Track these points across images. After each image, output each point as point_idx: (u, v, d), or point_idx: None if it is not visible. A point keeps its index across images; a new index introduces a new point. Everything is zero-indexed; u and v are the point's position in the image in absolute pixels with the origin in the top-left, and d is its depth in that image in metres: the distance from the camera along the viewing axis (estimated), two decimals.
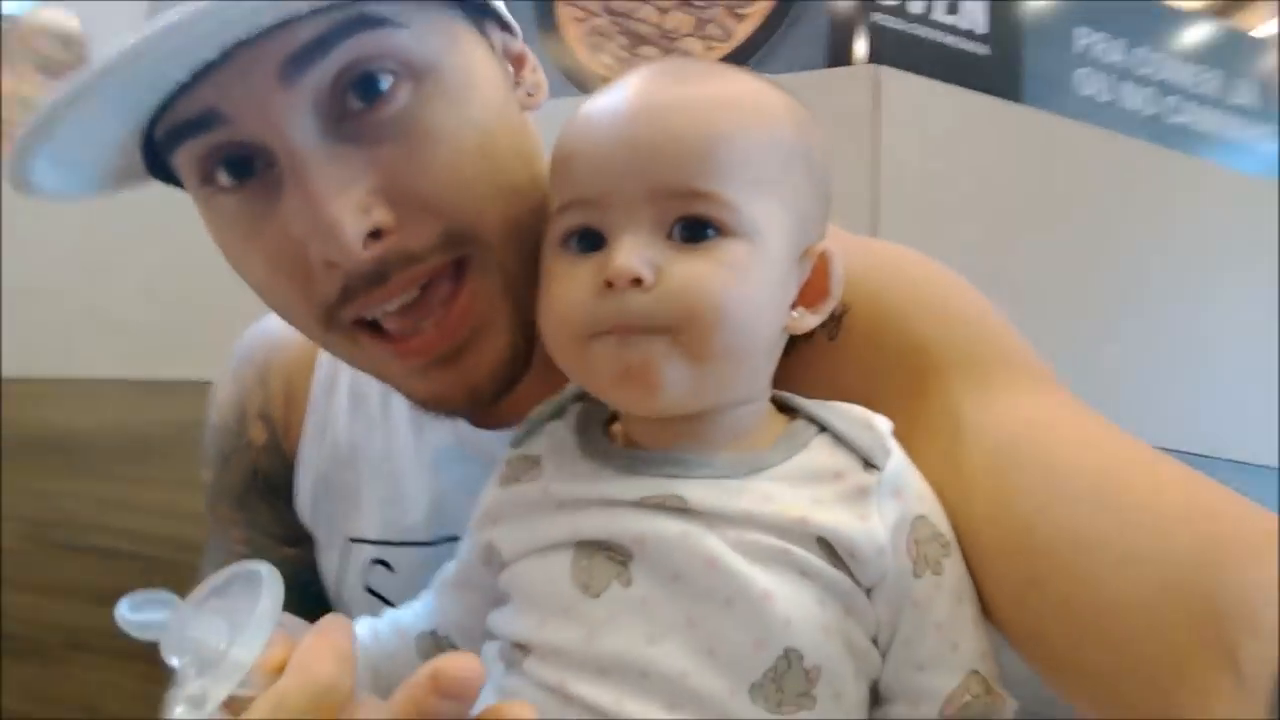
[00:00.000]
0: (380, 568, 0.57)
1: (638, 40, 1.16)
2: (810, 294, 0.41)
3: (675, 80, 0.39)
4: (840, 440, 0.39)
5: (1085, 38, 1.21)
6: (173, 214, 1.23)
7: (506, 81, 0.47)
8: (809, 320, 0.41)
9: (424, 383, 0.44)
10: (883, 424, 0.40)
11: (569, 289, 0.38)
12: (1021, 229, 1.04)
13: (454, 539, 0.53)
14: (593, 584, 0.36)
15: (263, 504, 0.62)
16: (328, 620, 0.32)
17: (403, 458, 0.56)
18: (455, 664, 0.28)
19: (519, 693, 0.36)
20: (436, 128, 0.41)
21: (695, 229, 0.37)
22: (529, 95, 0.49)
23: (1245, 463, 1.06)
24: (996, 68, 1.14)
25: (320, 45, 0.38)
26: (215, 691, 0.29)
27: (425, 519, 0.55)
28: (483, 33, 0.46)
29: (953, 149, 1.03)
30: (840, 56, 1.07)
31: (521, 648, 0.38)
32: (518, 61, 0.49)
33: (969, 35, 1.12)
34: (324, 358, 0.61)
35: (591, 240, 0.38)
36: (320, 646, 0.30)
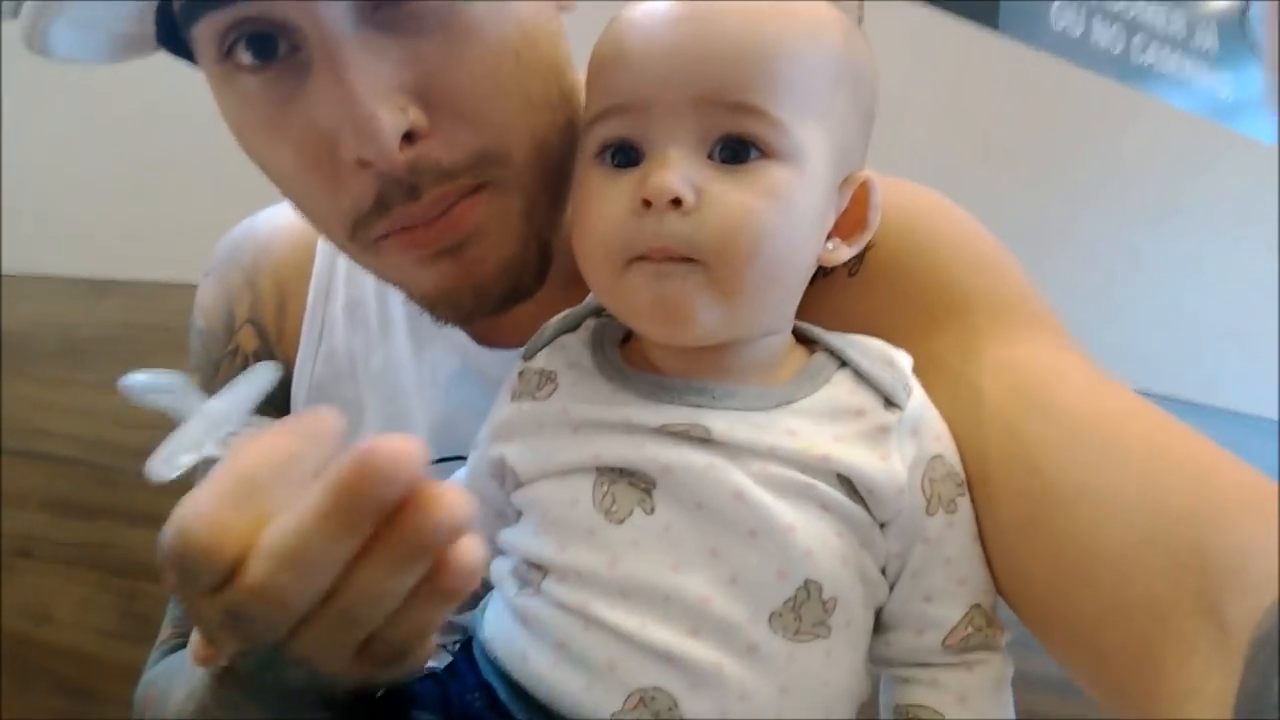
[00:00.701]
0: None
1: None
2: (847, 224, 0.40)
3: None
4: (861, 377, 0.38)
5: None
6: (115, 108, 1.18)
7: None
8: (843, 252, 0.40)
9: (430, 274, 0.42)
10: (903, 360, 0.39)
11: (605, 207, 0.36)
12: (984, 158, 1.05)
13: (456, 459, 0.52)
14: (616, 510, 0.36)
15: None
16: (316, 409, 0.31)
17: (403, 374, 0.55)
18: (389, 442, 0.26)
19: (537, 612, 0.37)
20: (477, 23, 0.39)
21: (738, 149, 0.35)
22: None
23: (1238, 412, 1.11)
24: None
25: None
26: (186, 446, 0.30)
27: (428, 438, 0.54)
28: None
29: (928, 72, 1.03)
30: None
31: (539, 568, 0.37)
32: None
33: None
34: (319, 265, 0.58)
35: (628, 155, 0.37)
36: (293, 423, 0.29)
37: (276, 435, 0.29)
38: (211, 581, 0.27)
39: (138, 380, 0.30)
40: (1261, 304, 1.12)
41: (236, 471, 0.28)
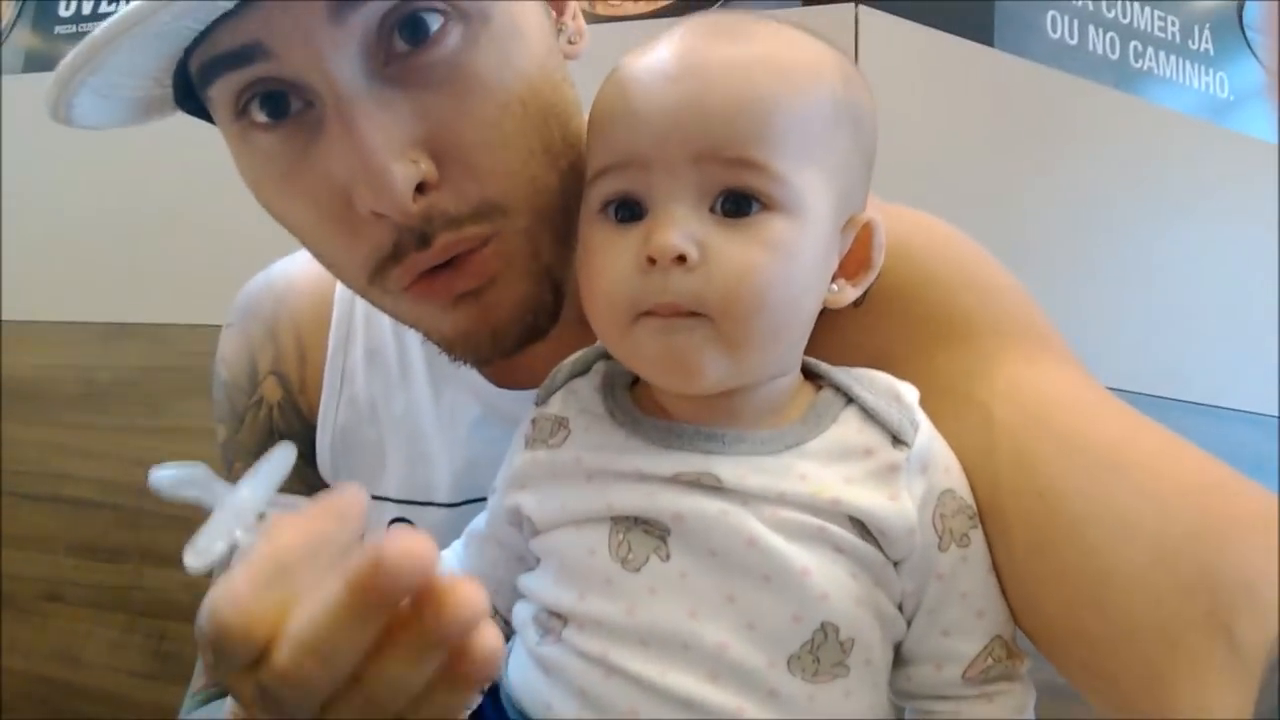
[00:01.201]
0: (403, 525, 0.57)
1: None
2: (851, 265, 0.40)
3: (725, 38, 0.37)
4: (869, 414, 0.39)
5: None
6: (129, 157, 1.19)
7: (550, 27, 0.45)
8: (849, 293, 0.40)
9: (449, 319, 0.44)
10: (910, 394, 0.39)
11: (610, 263, 0.37)
12: (988, 173, 1.05)
13: (477, 501, 0.52)
14: (632, 558, 0.37)
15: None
16: (339, 487, 0.32)
17: (424, 417, 0.56)
18: (401, 542, 0.26)
19: (558, 661, 0.37)
20: (483, 76, 0.40)
21: (740, 202, 0.35)
22: (570, 43, 0.47)
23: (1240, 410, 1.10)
24: (968, 9, 1.13)
25: None
26: (217, 535, 0.31)
27: (450, 482, 0.55)
28: None
29: (925, 90, 1.03)
30: None
31: (559, 616, 0.38)
32: (559, 4, 0.47)
33: None
34: (337, 313, 0.59)
35: (631, 210, 0.37)
36: (322, 505, 0.30)
37: (306, 518, 0.30)
38: (244, 662, 0.28)
39: (165, 476, 0.31)
40: (1262, 300, 1.12)
41: (268, 556, 0.29)
